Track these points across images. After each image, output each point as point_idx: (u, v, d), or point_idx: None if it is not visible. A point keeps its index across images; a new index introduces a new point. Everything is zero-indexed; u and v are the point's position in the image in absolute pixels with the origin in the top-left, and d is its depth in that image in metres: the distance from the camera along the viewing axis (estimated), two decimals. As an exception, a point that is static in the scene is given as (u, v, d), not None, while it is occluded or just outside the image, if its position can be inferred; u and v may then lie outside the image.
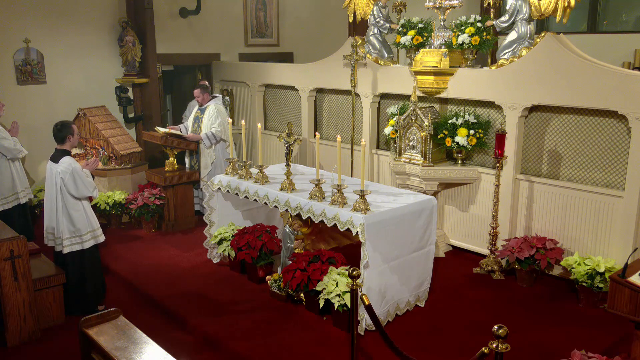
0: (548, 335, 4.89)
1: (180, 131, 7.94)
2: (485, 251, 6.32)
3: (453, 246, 6.85)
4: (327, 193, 5.29)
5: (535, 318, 5.18)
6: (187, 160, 8.15)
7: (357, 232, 4.72)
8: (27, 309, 4.99)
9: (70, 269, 5.36)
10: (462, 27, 6.37)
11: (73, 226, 5.26)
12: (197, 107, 7.97)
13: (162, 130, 7.74)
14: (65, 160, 5.18)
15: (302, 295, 5.34)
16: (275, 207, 5.63)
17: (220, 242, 6.32)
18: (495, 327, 3.04)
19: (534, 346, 4.69)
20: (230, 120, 7.16)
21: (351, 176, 7.23)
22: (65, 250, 5.27)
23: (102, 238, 5.48)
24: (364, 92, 7.46)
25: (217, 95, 8.20)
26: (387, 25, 7.20)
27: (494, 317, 5.17)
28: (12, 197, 6.80)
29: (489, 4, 6.35)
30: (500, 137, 5.81)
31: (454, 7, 6.35)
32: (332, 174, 5.79)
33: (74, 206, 5.23)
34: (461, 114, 6.34)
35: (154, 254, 6.86)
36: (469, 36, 6.29)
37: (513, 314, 5.25)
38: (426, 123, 6.21)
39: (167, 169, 7.91)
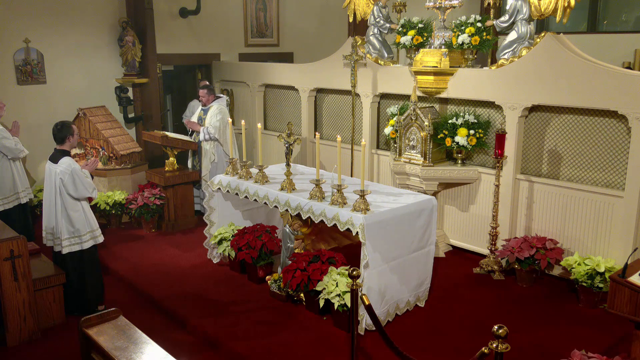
0: (548, 335, 4.88)
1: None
2: (485, 251, 6.31)
3: (453, 246, 6.85)
4: (327, 193, 5.29)
5: (535, 318, 5.18)
6: (189, 161, 8.18)
7: (357, 232, 4.72)
8: (27, 309, 4.99)
9: (69, 269, 5.36)
10: (462, 27, 6.37)
11: (72, 227, 5.25)
12: (200, 107, 8.00)
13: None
14: (65, 160, 5.17)
15: (302, 295, 5.34)
16: (275, 207, 5.63)
17: (220, 242, 6.32)
18: (495, 327, 3.04)
19: (534, 346, 4.69)
20: (230, 120, 7.17)
21: (351, 176, 7.22)
22: (65, 251, 5.27)
23: (101, 238, 5.47)
24: (364, 92, 7.46)
25: (221, 95, 8.22)
26: (387, 25, 7.19)
27: (494, 317, 5.17)
28: (12, 196, 6.80)
29: (489, 4, 6.35)
30: (500, 137, 5.81)
31: (454, 7, 6.35)
32: (332, 174, 5.79)
33: (73, 207, 5.22)
34: (461, 114, 6.34)
35: (154, 254, 6.86)
36: (469, 36, 6.28)
37: (513, 314, 5.25)
38: (426, 123, 6.21)
39: (167, 169, 7.91)
